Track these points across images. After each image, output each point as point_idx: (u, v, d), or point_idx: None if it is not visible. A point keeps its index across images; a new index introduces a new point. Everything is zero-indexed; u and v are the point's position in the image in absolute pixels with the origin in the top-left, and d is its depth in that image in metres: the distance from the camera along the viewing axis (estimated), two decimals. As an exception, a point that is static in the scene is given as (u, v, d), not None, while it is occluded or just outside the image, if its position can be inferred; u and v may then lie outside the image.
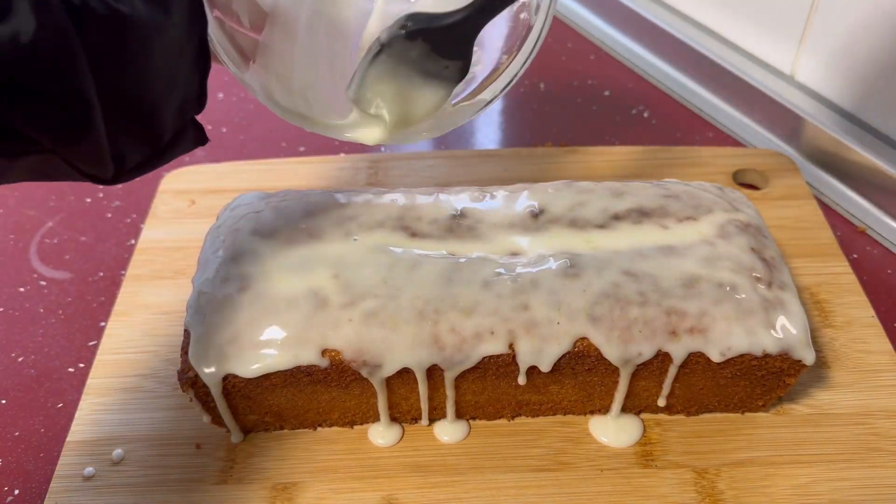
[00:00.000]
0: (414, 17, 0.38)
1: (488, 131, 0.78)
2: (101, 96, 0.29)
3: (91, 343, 0.56)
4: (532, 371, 0.45)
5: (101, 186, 0.66)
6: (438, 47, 0.39)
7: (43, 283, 0.61)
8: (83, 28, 0.27)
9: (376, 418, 0.49)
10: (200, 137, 0.36)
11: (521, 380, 0.46)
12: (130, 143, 0.32)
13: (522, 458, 0.48)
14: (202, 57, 0.33)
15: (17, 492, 0.48)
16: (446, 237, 0.47)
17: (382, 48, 0.38)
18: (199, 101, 0.35)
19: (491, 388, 0.47)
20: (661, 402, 0.49)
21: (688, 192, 0.51)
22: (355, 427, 0.50)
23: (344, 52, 0.43)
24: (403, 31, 0.38)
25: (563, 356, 0.44)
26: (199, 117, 0.36)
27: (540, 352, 0.44)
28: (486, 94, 0.44)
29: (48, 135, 0.29)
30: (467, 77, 0.41)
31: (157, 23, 0.30)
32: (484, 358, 0.44)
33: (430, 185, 0.65)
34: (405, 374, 0.45)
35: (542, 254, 0.46)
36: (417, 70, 0.40)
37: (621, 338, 0.44)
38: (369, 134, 0.43)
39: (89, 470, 0.47)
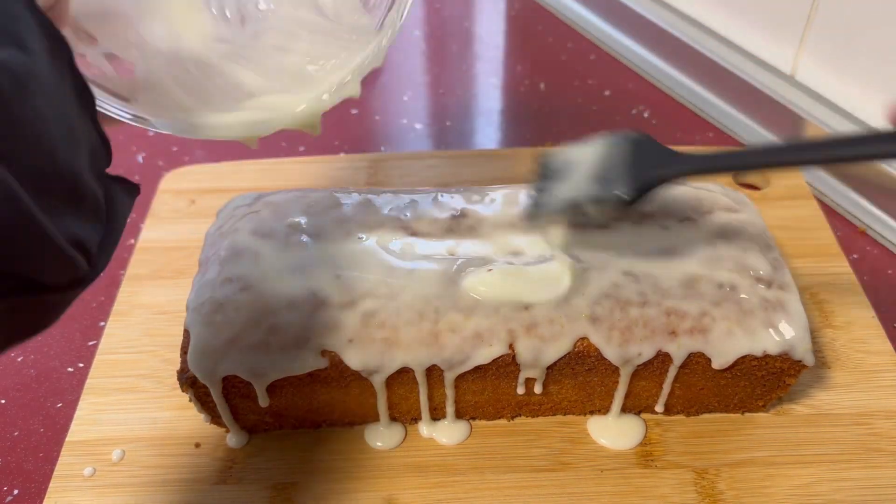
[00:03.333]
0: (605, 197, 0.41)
1: (488, 131, 0.78)
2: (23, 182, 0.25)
3: (90, 343, 0.56)
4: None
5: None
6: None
7: (42, 282, 0.61)
8: None
9: (376, 418, 0.49)
10: (130, 188, 0.33)
11: (521, 390, 0.46)
12: (76, 222, 0.28)
13: (522, 458, 0.48)
14: (84, 93, 0.29)
15: (16, 492, 0.48)
16: (446, 237, 0.47)
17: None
18: (105, 149, 0.31)
19: (491, 389, 0.47)
20: (660, 408, 0.49)
21: (688, 192, 0.51)
22: (355, 427, 0.50)
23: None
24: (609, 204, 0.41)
25: (563, 356, 0.44)
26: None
27: (540, 352, 0.44)
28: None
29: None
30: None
31: (25, 66, 0.25)
32: (484, 358, 0.44)
33: (430, 185, 0.66)
34: (405, 374, 0.45)
35: (542, 254, 0.46)
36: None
37: (621, 338, 0.44)
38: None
39: (89, 470, 0.47)
